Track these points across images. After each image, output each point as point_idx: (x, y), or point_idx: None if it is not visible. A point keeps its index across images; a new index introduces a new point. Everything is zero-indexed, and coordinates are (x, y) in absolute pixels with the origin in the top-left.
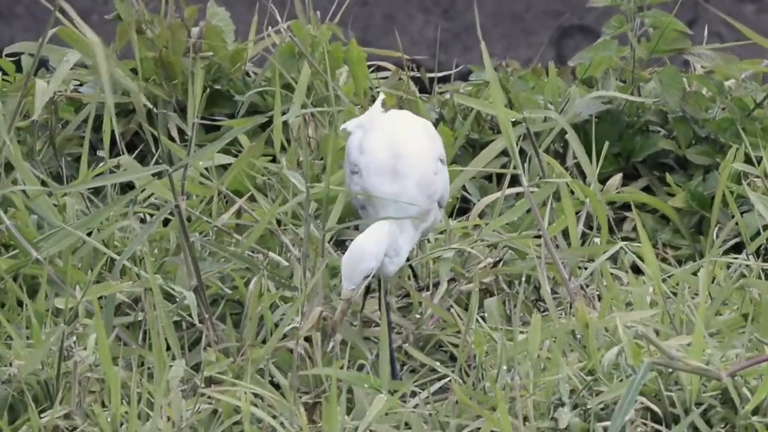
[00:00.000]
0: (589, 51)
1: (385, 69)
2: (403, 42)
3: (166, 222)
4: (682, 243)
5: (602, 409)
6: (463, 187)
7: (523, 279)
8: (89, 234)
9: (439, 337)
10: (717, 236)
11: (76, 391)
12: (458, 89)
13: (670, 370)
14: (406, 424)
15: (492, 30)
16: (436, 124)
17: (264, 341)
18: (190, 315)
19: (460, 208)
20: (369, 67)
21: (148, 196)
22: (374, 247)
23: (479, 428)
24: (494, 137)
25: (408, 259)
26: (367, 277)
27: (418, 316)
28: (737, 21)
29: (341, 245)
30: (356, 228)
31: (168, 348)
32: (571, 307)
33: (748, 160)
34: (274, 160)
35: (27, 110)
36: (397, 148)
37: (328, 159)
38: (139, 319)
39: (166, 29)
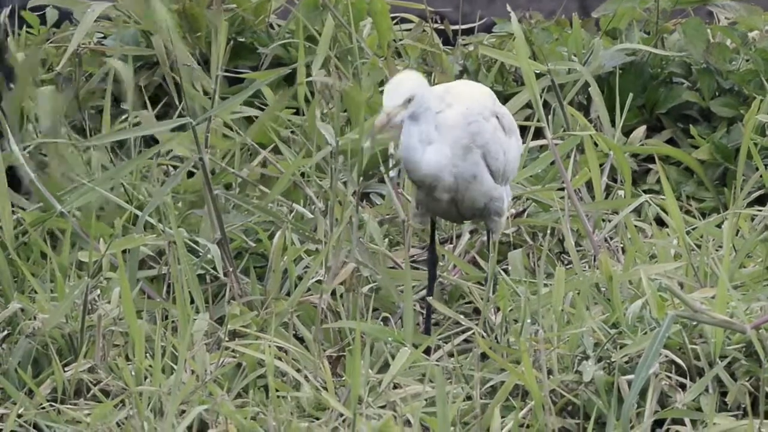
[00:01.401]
0: (612, 2)
1: (408, 21)
2: None
3: (190, 174)
4: (706, 195)
5: (626, 363)
6: None
7: (547, 232)
8: (112, 189)
9: (463, 289)
10: (741, 188)
11: (100, 345)
12: (482, 41)
13: (695, 323)
14: (430, 377)
15: None
16: (459, 77)
17: (288, 294)
18: (214, 268)
19: None
20: (392, 18)
21: (171, 149)
22: (417, 77)
23: (503, 382)
24: (518, 89)
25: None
26: (409, 100)
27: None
28: None
29: (365, 198)
30: (381, 181)
31: (192, 301)
32: (595, 260)
33: None
34: (297, 113)
35: (51, 63)
36: (451, 89)
37: (351, 111)
38: (163, 272)
39: None
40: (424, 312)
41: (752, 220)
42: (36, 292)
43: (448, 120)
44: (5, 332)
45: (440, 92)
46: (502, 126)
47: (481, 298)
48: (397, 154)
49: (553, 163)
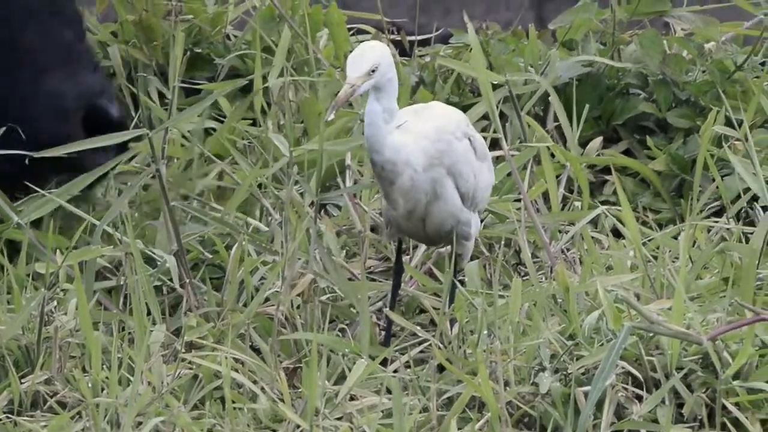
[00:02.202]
0: (569, 13)
1: (365, 32)
2: (383, 5)
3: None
4: (662, 206)
5: (583, 374)
6: None
7: (503, 243)
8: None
9: (420, 300)
10: (698, 200)
11: (56, 357)
12: (438, 52)
13: (651, 334)
14: (387, 389)
15: None
16: (416, 88)
17: (245, 305)
18: (171, 279)
19: None
20: (349, 29)
21: (130, 159)
22: (381, 46)
23: (460, 393)
24: (475, 100)
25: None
26: (373, 70)
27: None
28: None
29: (323, 209)
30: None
31: (149, 313)
32: (551, 271)
33: (728, 123)
34: (254, 124)
35: None
36: (428, 107)
37: (308, 122)
38: (120, 283)
39: None
40: (384, 323)
41: (708, 231)
42: None
43: (419, 129)
44: None
45: (417, 108)
46: (474, 149)
47: (437, 310)
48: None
49: (509, 174)
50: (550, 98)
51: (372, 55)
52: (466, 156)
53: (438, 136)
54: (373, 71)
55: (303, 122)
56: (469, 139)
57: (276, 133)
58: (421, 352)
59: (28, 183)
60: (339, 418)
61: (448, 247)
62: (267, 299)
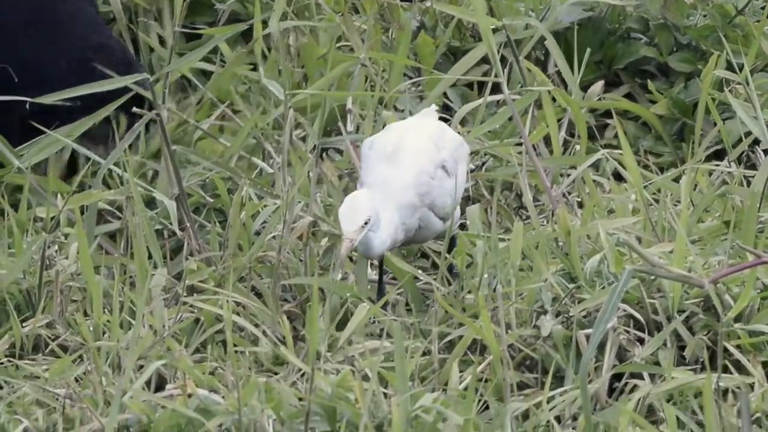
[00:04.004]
0: None
1: None
2: None
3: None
4: (663, 150)
5: (585, 317)
6: (445, 95)
7: (505, 186)
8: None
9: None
10: (699, 143)
11: (58, 300)
12: None
13: (653, 277)
14: (388, 333)
15: None
16: (416, 33)
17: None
18: (172, 223)
19: (441, 116)
20: None
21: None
22: (367, 198)
23: (461, 336)
24: (475, 45)
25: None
26: (367, 223)
27: None
28: None
29: (325, 152)
30: (339, 133)
31: (150, 256)
32: (552, 215)
33: (729, 67)
34: (254, 69)
35: None
36: (402, 141)
37: (308, 67)
38: (122, 227)
39: None
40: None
41: (710, 174)
42: None
43: (399, 181)
44: None
45: (389, 149)
46: (447, 172)
47: (438, 254)
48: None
49: (510, 118)
50: (546, 43)
51: (363, 210)
52: (441, 188)
53: (418, 180)
54: (366, 223)
55: (303, 67)
56: (442, 167)
57: (276, 77)
58: (423, 295)
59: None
60: (341, 362)
61: None
62: (273, 236)
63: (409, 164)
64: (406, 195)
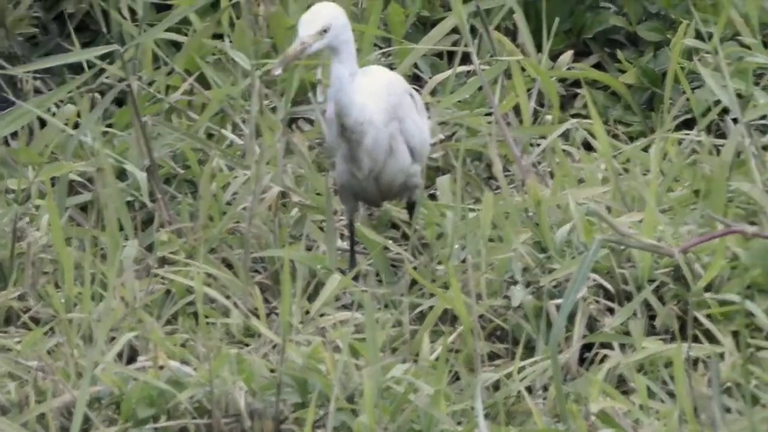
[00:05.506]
0: None
1: None
2: None
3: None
4: (633, 119)
5: (555, 287)
6: (415, 65)
7: (475, 156)
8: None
9: (391, 215)
10: (668, 112)
11: (29, 273)
12: None
13: (622, 247)
14: (359, 304)
15: None
16: (386, 3)
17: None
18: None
19: (412, 85)
20: None
21: (99, 75)
22: (334, 7)
23: (432, 307)
24: (445, 15)
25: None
26: (325, 30)
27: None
28: None
29: (294, 122)
30: (309, 104)
31: (121, 228)
32: (523, 185)
33: (698, 36)
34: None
35: None
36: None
37: (276, 37)
38: (93, 199)
39: None
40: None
41: (679, 144)
42: None
43: (372, 86)
44: None
45: (361, 69)
46: (416, 104)
47: (408, 225)
48: (326, 92)
49: (480, 88)
50: (515, 16)
51: (324, 15)
52: (411, 112)
53: (389, 90)
54: (325, 31)
55: (272, 38)
56: (411, 96)
57: (245, 48)
58: (393, 266)
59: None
60: (312, 333)
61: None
62: (240, 214)
63: (381, 78)
64: (378, 100)
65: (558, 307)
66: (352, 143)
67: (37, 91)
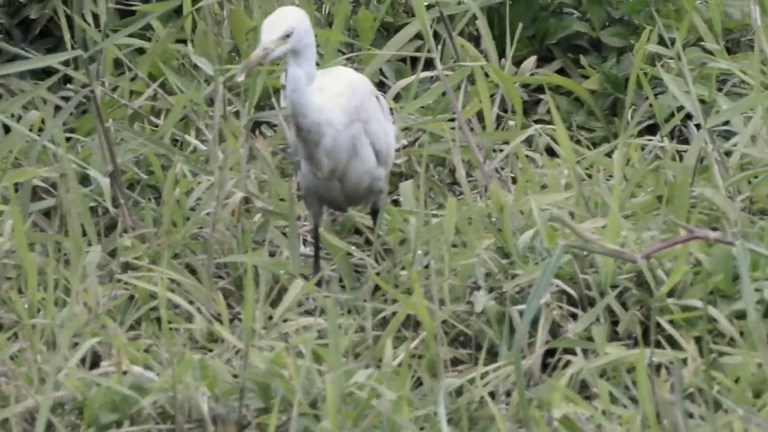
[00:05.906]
0: None
1: None
2: None
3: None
4: (596, 125)
5: (518, 293)
6: (380, 71)
7: (438, 162)
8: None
9: (355, 220)
10: (631, 118)
11: None
12: None
13: (585, 252)
14: (322, 309)
15: None
16: (355, 10)
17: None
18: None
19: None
20: None
21: (65, 82)
22: (297, 11)
23: (395, 313)
24: (409, 20)
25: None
26: (288, 35)
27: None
28: None
29: (258, 128)
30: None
31: (84, 234)
32: (486, 190)
33: (661, 42)
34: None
35: None
36: (337, 69)
37: (237, 39)
38: (56, 205)
39: None
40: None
41: (642, 149)
42: None
43: (335, 88)
44: None
45: (324, 71)
46: (381, 108)
47: (372, 230)
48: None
49: (444, 94)
50: (477, 22)
51: (287, 20)
52: (377, 113)
53: (352, 92)
54: (288, 36)
55: (234, 38)
56: (377, 98)
57: (208, 52)
58: (356, 271)
59: None
60: (275, 339)
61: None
62: (203, 220)
63: (345, 78)
64: (342, 101)
65: (521, 312)
66: (309, 144)
67: (0, 97)
